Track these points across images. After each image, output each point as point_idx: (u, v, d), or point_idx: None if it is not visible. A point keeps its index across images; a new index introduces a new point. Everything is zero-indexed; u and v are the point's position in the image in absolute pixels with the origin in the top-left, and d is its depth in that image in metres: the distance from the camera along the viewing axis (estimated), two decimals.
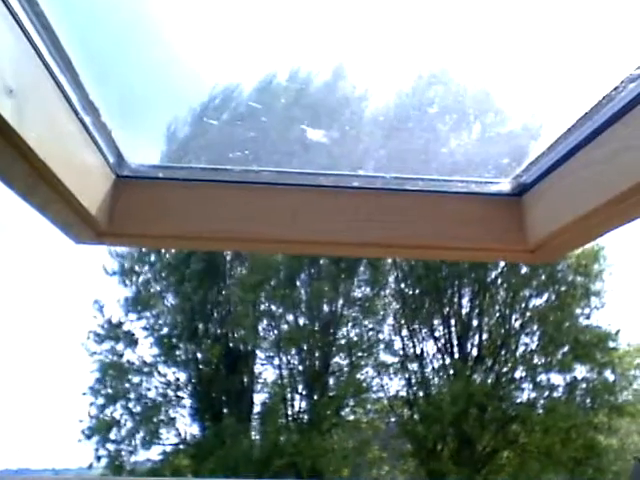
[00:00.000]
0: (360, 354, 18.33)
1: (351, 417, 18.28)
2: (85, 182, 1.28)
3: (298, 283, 18.39)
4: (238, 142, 1.30)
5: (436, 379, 17.90)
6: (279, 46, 1.39)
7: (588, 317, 17.25)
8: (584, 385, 16.99)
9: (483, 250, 1.45)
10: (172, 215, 1.43)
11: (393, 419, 18.09)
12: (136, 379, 18.18)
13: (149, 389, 18.28)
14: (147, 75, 1.44)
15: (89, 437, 17.49)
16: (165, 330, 18.52)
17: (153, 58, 1.39)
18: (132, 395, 18.08)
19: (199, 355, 18.39)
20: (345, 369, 18.42)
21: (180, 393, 18.56)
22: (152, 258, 18.55)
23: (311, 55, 1.49)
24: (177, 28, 1.37)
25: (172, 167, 1.48)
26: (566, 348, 16.99)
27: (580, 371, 17.06)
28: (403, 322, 18.12)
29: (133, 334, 18.31)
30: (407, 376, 17.96)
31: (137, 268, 18.61)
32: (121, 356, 18.16)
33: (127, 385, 18.05)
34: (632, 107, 1.04)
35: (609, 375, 17.01)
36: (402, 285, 18.09)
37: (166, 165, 1.47)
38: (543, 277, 17.09)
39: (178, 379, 18.53)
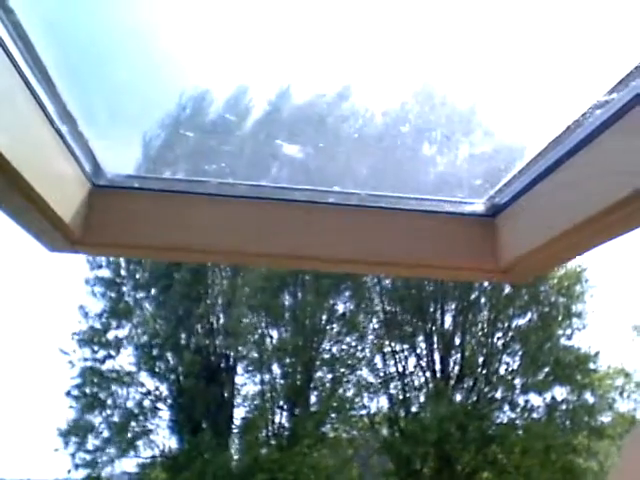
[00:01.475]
0: (342, 370, 18.27)
1: (332, 434, 18.17)
2: (60, 191, 1.28)
3: (282, 297, 18.35)
4: (214, 154, 1.31)
5: (418, 397, 17.87)
6: (258, 59, 1.40)
7: (569, 338, 17.35)
8: (564, 406, 17.04)
9: (455, 269, 1.47)
10: (148, 225, 1.43)
11: (375, 437, 18.01)
12: (115, 388, 18.01)
13: (128, 399, 18.10)
14: (125, 84, 1.44)
15: (65, 444, 17.29)
16: (145, 339, 18.37)
17: (130, 67, 1.39)
18: (110, 403, 17.90)
19: (180, 367, 18.25)
20: (327, 385, 18.35)
21: (159, 404, 18.39)
22: (134, 267, 18.45)
23: (291, 69, 1.51)
24: (155, 37, 1.37)
25: (149, 177, 1.48)
26: (547, 369, 17.05)
27: (560, 392, 17.13)
28: (386, 339, 18.11)
29: (114, 343, 18.15)
30: (389, 394, 17.92)
31: (117, 280, 18.51)
32: (102, 363, 18.00)
33: (106, 394, 17.87)
34: (599, 133, 1.06)
35: (589, 397, 17.09)
36: (385, 302, 18.10)
37: (142, 175, 1.48)
38: (526, 297, 17.19)
39: (158, 389, 18.37)
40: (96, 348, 18.00)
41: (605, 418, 17.19)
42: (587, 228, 1.16)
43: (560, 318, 17.26)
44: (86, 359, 17.99)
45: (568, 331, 17.32)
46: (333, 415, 17.98)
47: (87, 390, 17.83)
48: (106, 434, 17.69)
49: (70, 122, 1.27)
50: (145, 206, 1.44)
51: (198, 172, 1.40)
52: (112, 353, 18.11)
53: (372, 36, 1.37)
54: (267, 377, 18.38)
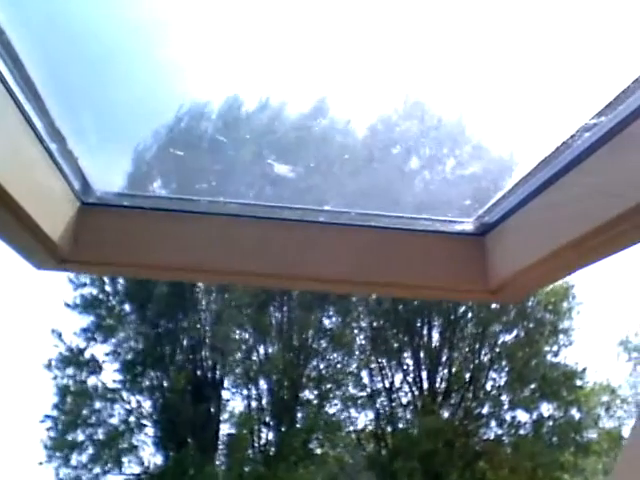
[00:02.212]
0: (329, 386, 18.19)
1: (319, 450, 18.05)
2: (48, 209, 1.27)
3: (269, 312, 18.28)
4: (204, 173, 1.31)
5: (405, 413, 17.81)
6: (250, 76, 1.41)
7: (556, 354, 17.40)
8: (550, 423, 17.05)
9: (445, 290, 1.47)
10: (136, 244, 1.42)
11: (361, 453, 17.90)
12: (99, 405, 17.80)
13: (112, 415, 17.89)
14: (115, 100, 1.44)
15: (49, 460, 17.06)
16: (130, 356, 18.19)
17: (121, 84, 1.39)
18: (94, 420, 17.68)
19: (165, 382, 18.08)
20: (314, 401, 18.25)
21: (144, 421, 18.18)
22: (118, 282, 18.32)
23: (282, 88, 1.51)
24: (146, 54, 1.38)
25: (138, 195, 1.47)
26: (533, 385, 17.08)
27: (547, 408, 17.15)
28: (372, 355, 18.07)
29: (97, 360, 17.97)
30: (376, 410, 17.85)
31: (101, 296, 18.36)
32: (84, 382, 17.79)
33: (89, 411, 17.65)
34: (588, 155, 1.07)
35: (575, 413, 17.12)
36: (372, 317, 18.08)
37: (132, 193, 1.47)
38: (513, 313, 17.24)
39: (142, 406, 18.17)
40: (78, 365, 17.80)
41: (591, 434, 17.22)
42: (576, 248, 1.16)
43: (547, 334, 17.32)
44: (69, 376, 17.78)
45: (555, 347, 17.38)
46: (319, 431, 17.87)
47: (70, 407, 17.60)
48: (91, 451, 17.47)
49: (59, 140, 1.26)
50: (134, 224, 1.43)
51: (188, 190, 1.39)
52: (95, 370, 17.92)
53: (359, 51, 1.37)
54: (253, 393, 18.25)
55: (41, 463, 17.11)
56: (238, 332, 18.20)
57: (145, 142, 1.43)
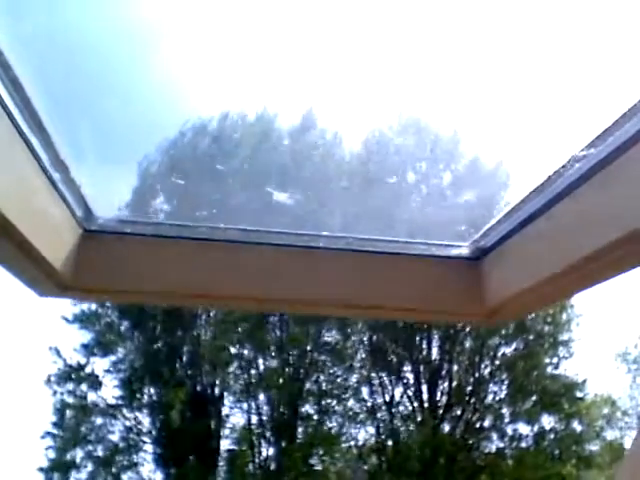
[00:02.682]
0: (329, 401, 18.12)
1: (319, 466, 17.95)
2: (51, 237, 1.30)
3: (269, 327, 18.25)
4: (204, 200, 1.33)
5: (405, 427, 17.74)
6: (245, 98, 1.44)
7: (556, 367, 17.36)
8: (552, 435, 16.99)
9: (441, 313, 1.49)
10: (138, 270, 1.44)
11: (363, 468, 17.80)
12: (99, 421, 17.72)
13: (112, 432, 17.80)
14: (117, 131, 1.47)
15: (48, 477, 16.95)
16: (129, 372, 18.13)
17: (123, 115, 1.42)
18: (93, 438, 17.58)
19: (164, 398, 18.00)
20: (314, 416, 18.18)
21: (144, 437, 18.09)
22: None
23: (280, 110, 1.54)
24: (147, 82, 1.41)
25: (140, 222, 1.50)
26: (534, 397, 17.03)
27: (548, 421, 17.09)
28: (372, 369, 18.02)
29: (97, 376, 17.90)
30: (376, 424, 17.78)
31: (100, 310, 18.32)
32: (83, 399, 17.71)
33: (89, 428, 17.56)
34: (578, 185, 1.10)
35: (576, 425, 17.06)
36: (371, 331, 18.05)
37: (134, 220, 1.49)
38: (512, 326, 17.22)
39: (141, 423, 18.09)
40: (77, 382, 17.73)
41: (593, 447, 17.15)
42: (568, 275, 1.19)
43: (546, 347, 17.30)
44: (68, 393, 17.71)
45: (555, 359, 17.35)
46: (320, 446, 17.78)
47: (69, 425, 17.52)
48: (90, 468, 17.37)
49: (62, 170, 1.29)
50: (136, 251, 1.45)
51: (189, 217, 1.42)
52: (94, 387, 17.85)
53: (354, 68, 1.40)
54: (254, 409, 18.18)
55: None
56: (237, 347, 18.16)
57: (147, 169, 1.45)
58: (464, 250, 1.52)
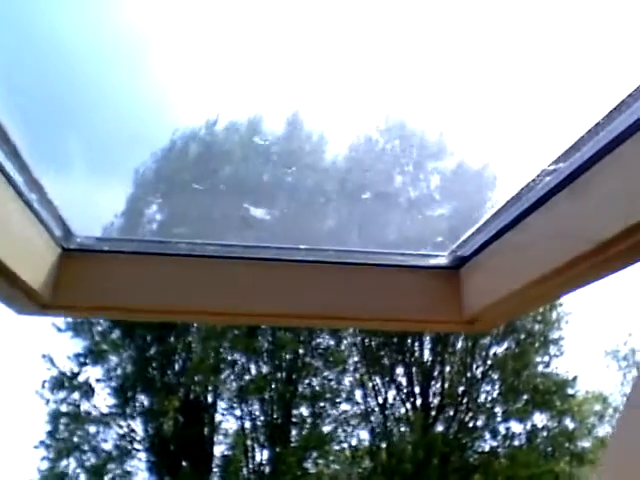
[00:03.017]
0: (322, 404, 18.12)
1: (314, 469, 17.94)
2: (28, 258, 1.30)
3: (259, 332, 18.22)
4: (183, 218, 1.34)
5: (399, 429, 17.76)
6: (229, 105, 1.44)
7: (547, 365, 17.45)
8: (544, 433, 17.06)
9: (421, 322, 1.50)
10: (118, 287, 1.44)
11: (356, 470, 17.81)
12: (92, 429, 17.62)
13: (105, 440, 17.70)
14: (91, 153, 1.47)
15: None
16: (121, 380, 18.05)
17: (98, 136, 1.43)
18: (86, 447, 17.48)
19: (157, 406, 17.93)
20: (308, 420, 18.16)
21: (137, 445, 18.00)
22: None
23: (265, 117, 1.55)
24: (123, 108, 1.41)
25: (119, 240, 1.50)
26: (526, 396, 17.10)
27: (540, 419, 17.16)
28: (365, 372, 18.04)
29: (89, 384, 17.80)
30: (370, 426, 17.79)
31: (92, 319, 18.21)
32: (77, 407, 17.61)
33: (81, 437, 17.46)
34: (547, 198, 1.11)
35: (569, 423, 17.14)
36: (363, 334, 18.07)
37: (112, 238, 1.50)
38: (502, 326, 17.29)
39: (135, 431, 18.00)
40: (70, 391, 17.63)
41: (585, 443, 17.23)
42: (542, 285, 1.20)
43: (537, 345, 17.38)
44: (61, 401, 17.60)
45: (545, 358, 17.44)
46: (314, 450, 17.76)
47: (61, 435, 17.41)
48: (83, 478, 17.26)
49: (39, 191, 1.29)
50: (115, 268, 1.45)
51: (168, 234, 1.42)
52: (86, 395, 17.75)
53: (339, 72, 1.41)
54: (247, 413, 18.14)
55: None
56: (229, 352, 18.12)
57: (125, 189, 1.46)
58: (442, 260, 1.54)
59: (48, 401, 17.51)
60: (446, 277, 1.53)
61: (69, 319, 18.02)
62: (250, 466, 17.93)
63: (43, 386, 17.52)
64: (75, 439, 17.41)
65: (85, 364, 17.97)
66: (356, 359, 18.26)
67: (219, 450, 18.30)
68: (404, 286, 1.51)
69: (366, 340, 18.00)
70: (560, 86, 1.09)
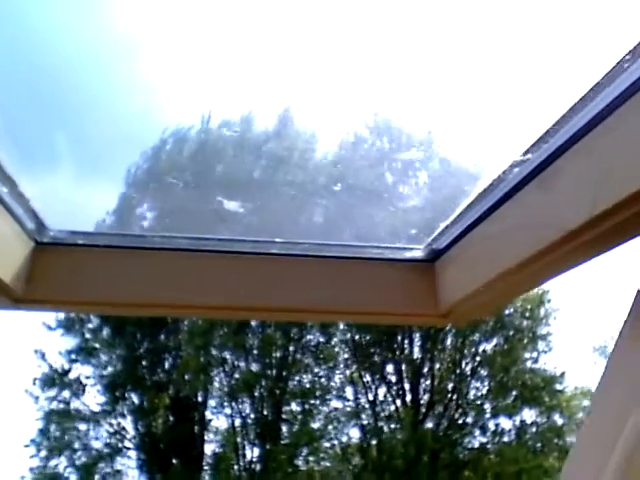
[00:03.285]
0: (313, 402, 18.14)
1: (304, 466, 17.97)
2: None
3: (249, 329, 18.21)
4: (159, 209, 1.33)
5: (389, 426, 17.81)
6: (219, 99, 1.44)
7: (536, 361, 17.54)
8: (533, 429, 17.16)
9: (396, 315, 1.50)
10: (91, 281, 1.44)
11: (347, 467, 17.85)
12: (82, 427, 17.57)
13: (96, 438, 17.65)
14: (76, 150, 1.47)
15: None
16: (111, 378, 17.99)
17: (85, 134, 1.42)
18: (77, 445, 17.43)
19: (146, 404, 17.89)
20: (298, 417, 18.18)
21: (127, 443, 17.96)
22: None
23: (251, 109, 1.54)
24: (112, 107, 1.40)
25: (92, 234, 1.49)
26: (515, 392, 17.19)
27: (529, 415, 17.26)
28: (355, 369, 18.07)
29: (80, 382, 17.75)
30: (360, 423, 17.83)
31: (83, 316, 18.14)
32: (67, 404, 17.55)
33: (72, 435, 17.40)
34: (518, 189, 1.12)
35: (557, 418, 17.25)
36: (353, 331, 18.09)
37: (86, 231, 1.49)
38: (491, 322, 17.37)
39: (124, 430, 17.95)
40: (60, 389, 17.56)
41: (574, 439, 17.31)
42: (514, 275, 1.20)
43: (525, 341, 17.47)
44: (51, 399, 17.53)
45: (534, 354, 17.54)
46: (304, 447, 17.79)
47: (52, 433, 17.34)
48: (74, 478, 17.21)
49: (9, 183, 1.28)
50: (89, 262, 1.45)
51: (142, 228, 1.42)
52: (77, 393, 17.69)
53: (327, 69, 1.41)
54: (237, 411, 18.14)
55: None
56: (217, 350, 18.10)
57: (99, 179, 1.45)
58: (418, 253, 1.54)
59: (38, 398, 17.45)
60: (422, 270, 1.53)
61: (60, 317, 17.97)
62: (241, 463, 17.94)
63: (34, 383, 17.46)
64: (66, 437, 17.35)
65: (76, 361, 17.90)
66: (346, 356, 18.29)
67: (210, 448, 18.32)
68: (380, 279, 1.51)
69: (356, 337, 18.03)
70: (531, 78, 1.09)
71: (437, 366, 17.81)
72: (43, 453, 17.28)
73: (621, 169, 0.91)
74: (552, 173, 1.05)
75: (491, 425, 17.28)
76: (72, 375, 17.74)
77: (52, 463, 17.19)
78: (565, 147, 1.02)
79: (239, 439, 18.06)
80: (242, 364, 18.22)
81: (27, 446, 17.17)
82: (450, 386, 17.62)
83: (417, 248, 1.53)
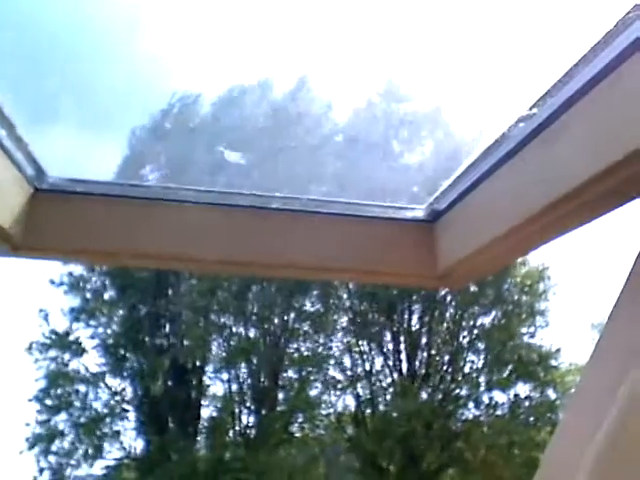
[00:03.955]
0: (310, 369, 18.29)
1: (299, 433, 18.19)
2: None
3: (249, 295, 18.27)
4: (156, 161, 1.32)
5: (384, 396, 17.99)
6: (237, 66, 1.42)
7: (533, 336, 17.64)
8: (527, 403, 17.33)
9: (394, 275, 1.50)
10: (90, 230, 1.43)
11: (342, 435, 18.08)
12: (82, 388, 17.76)
13: (95, 400, 17.85)
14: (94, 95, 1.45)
15: (31, 447, 16.99)
16: (112, 340, 18.13)
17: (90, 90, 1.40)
18: (78, 404, 17.63)
19: (145, 367, 18.05)
20: (295, 384, 18.35)
21: (125, 405, 18.17)
22: (100, 268, 18.17)
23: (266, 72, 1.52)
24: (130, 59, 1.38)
25: (91, 182, 1.48)
26: (510, 366, 17.31)
27: (523, 389, 17.41)
28: (353, 338, 18.18)
29: (80, 343, 17.88)
30: (356, 392, 18.00)
31: (85, 274, 18.18)
32: (66, 365, 17.71)
33: (72, 395, 17.60)
34: (523, 146, 1.10)
35: (551, 393, 17.40)
36: (354, 301, 18.16)
37: (85, 179, 1.48)
38: (490, 296, 17.42)
39: (124, 391, 18.15)
40: (61, 350, 17.70)
41: None
42: (514, 236, 1.20)
43: (524, 316, 17.54)
44: (52, 359, 17.69)
45: (531, 329, 17.63)
46: (300, 414, 18.00)
47: (53, 392, 17.53)
48: (72, 437, 17.44)
49: (8, 127, 1.27)
50: (88, 210, 1.44)
51: (141, 177, 1.41)
52: (78, 354, 17.84)
53: (340, 39, 1.39)
54: (234, 377, 18.30)
55: (21, 452, 17.08)
56: (217, 315, 18.19)
57: (101, 128, 1.44)
58: (419, 213, 1.53)
59: (37, 360, 17.61)
60: (422, 230, 1.52)
61: (64, 275, 18.00)
62: (237, 429, 18.16)
63: (33, 346, 17.60)
64: (66, 396, 17.55)
65: (77, 321, 18.00)
66: (345, 325, 18.38)
67: (206, 413, 18.52)
68: (377, 238, 1.50)
69: (356, 306, 18.09)
70: (537, 33, 1.07)
71: (434, 338, 17.92)
72: (45, 412, 17.50)
73: (626, 125, 0.90)
74: (554, 131, 1.03)
75: (485, 398, 17.45)
76: (73, 336, 17.86)
77: (52, 421, 17.40)
78: (567, 105, 1.00)
79: (235, 405, 18.26)
80: (241, 330, 18.33)
81: (30, 400, 17.40)
82: (446, 358, 17.75)
83: (419, 208, 1.52)
